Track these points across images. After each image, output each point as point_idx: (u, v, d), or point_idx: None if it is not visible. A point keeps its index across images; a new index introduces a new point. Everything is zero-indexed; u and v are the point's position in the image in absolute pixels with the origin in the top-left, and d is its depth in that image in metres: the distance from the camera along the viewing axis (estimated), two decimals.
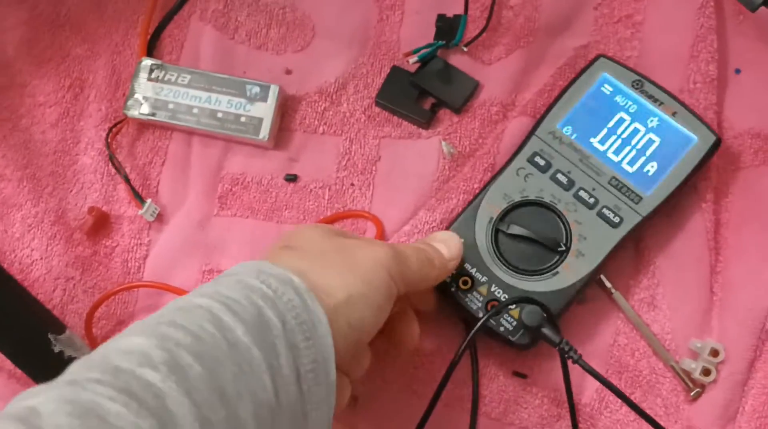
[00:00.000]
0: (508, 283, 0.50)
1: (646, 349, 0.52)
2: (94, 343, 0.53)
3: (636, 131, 0.52)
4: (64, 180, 0.56)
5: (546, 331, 0.47)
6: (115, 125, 0.56)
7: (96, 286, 0.55)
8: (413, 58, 0.56)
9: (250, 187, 0.56)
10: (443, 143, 0.56)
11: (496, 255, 0.50)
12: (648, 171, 0.51)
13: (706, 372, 0.50)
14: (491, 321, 0.49)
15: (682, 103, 0.52)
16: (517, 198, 0.51)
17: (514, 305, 0.49)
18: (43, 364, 0.49)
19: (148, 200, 0.55)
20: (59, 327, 0.50)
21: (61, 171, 0.57)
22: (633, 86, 0.52)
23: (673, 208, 0.53)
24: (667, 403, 0.51)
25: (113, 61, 0.58)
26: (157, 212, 0.55)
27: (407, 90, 0.57)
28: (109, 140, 0.56)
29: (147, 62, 0.56)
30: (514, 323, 0.49)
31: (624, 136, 0.52)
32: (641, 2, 0.57)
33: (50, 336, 0.49)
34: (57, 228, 0.55)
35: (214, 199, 0.56)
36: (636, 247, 0.53)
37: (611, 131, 0.52)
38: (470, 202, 0.52)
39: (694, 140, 0.51)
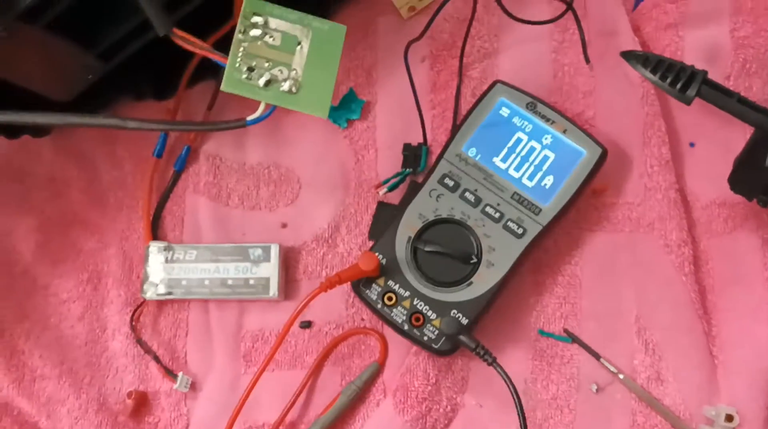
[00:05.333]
0: (428, 296, 0.56)
1: (664, 423, 0.56)
2: None
3: (533, 149, 0.57)
4: (99, 368, 0.61)
5: (463, 338, 0.53)
6: (136, 309, 0.60)
7: None
8: (383, 190, 0.61)
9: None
10: None
11: (416, 271, 0.56)
12: (545, 184, 0.57)
13: None
14: (415, 332, 0.55)
15: (571, 121, 0.58)
16: (431, 217, 0.57)
17: (435, 316, 0.54)
18: None
19: (180, 373, 0.59)
20: None
21: (94, 360, 0.61)
22: (527, 108, 0.58)
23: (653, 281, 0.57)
24: None
25: (123, 247, 0.63)
26: (190, 382, 0.59)
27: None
28: (133, 324, 0.60)
29: (154, 246, 0.61)
30: (436, 333, 0.55)
31: (522, 154, 0.57)
32: (590, 98, 0.62)
33: None
34: (101, 416, 0.59)
35: (239, 358, 0.60)
36: (634, 330, 0.57)
37: (511, 150, 0.58)
38: (390, 224, 0.57)
39: (583, 153, 0.57)
